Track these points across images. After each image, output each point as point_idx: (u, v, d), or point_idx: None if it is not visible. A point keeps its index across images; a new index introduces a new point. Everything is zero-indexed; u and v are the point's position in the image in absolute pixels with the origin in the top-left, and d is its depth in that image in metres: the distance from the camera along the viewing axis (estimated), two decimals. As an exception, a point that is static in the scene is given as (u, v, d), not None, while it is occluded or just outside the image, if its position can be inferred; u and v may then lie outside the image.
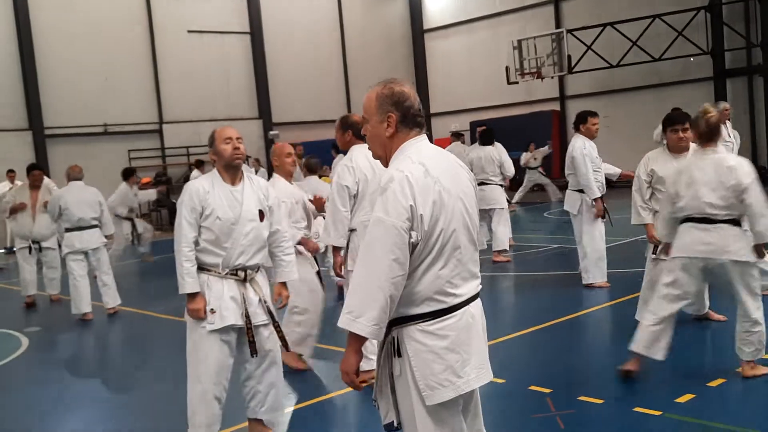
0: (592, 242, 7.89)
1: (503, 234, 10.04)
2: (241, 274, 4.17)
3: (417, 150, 2.70)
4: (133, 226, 12.68)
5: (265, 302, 4.24)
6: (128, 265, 12.79)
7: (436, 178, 2.62)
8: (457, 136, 14.58)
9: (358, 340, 2.63)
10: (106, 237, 8.92)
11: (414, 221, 2.55)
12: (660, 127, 6.53)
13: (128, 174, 12.89)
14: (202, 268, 4.12)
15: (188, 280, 4.05)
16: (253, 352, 4.18)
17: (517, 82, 20.70)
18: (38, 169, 10.05)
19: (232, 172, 4.20)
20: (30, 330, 8.31)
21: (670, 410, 4.35)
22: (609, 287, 7.81)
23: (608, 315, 6.94)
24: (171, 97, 20.42)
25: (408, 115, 2.73)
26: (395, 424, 2.70)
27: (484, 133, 10.54)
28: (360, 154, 5.15)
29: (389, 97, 2.74)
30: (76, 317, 8.61)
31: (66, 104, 18.68)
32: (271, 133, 21.64)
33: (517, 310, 7.83)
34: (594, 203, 7.72)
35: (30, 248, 9.74)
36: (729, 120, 9.62)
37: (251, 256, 4.19)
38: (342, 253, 5.21)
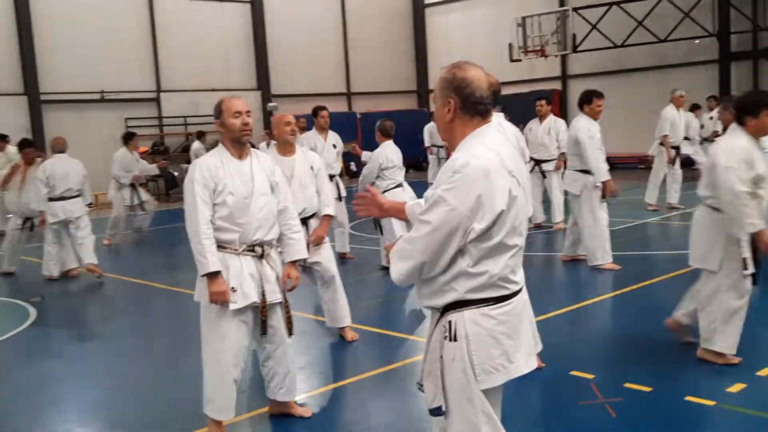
0: (598, 223, 7.77)
1: None
2: (258, 250, 4.05)
3: (489, 137, 2.66)
4: (135, 193, 12.35)
5: (279, 280, 4.13)
6: (126, 235, 12.52)
7: (510, 170, 2.60)
8: None
9: None
10: (87, 205, 9.34)
11: (479, 212, 2.52)
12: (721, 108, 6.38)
13: (128, 138, 12.59)
14: (218, 246, 3.96)
15: (211, 259, 3.88)
16: (264, 331, 4.08)
17: (519, 60, 20.48)
18: (30, 145, 9.93)
19: (239, 146, 4.06)
20: (37, 300, 8.11)
21: (723, 400, 4.24)
22: (620, 269, 7.72)
23: (632, 299, 6.83)
24: (169, 66, 20.03)
25: (467, 103, 2.66)
26: (443, 409, 2.67)
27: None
28: (492, 125, 4.74)
29: (450, 82, 2.68)
30: (45, 277, 9.10)
31: (62, 69, 18.24)
32: (270, 105, 21.35)
33: (537, 293, 7.71)
34: (601, 185, 7.62)
35: (23, 226, 9.66)
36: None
37: (268, 230, 4.06)
38: None
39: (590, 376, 4.74)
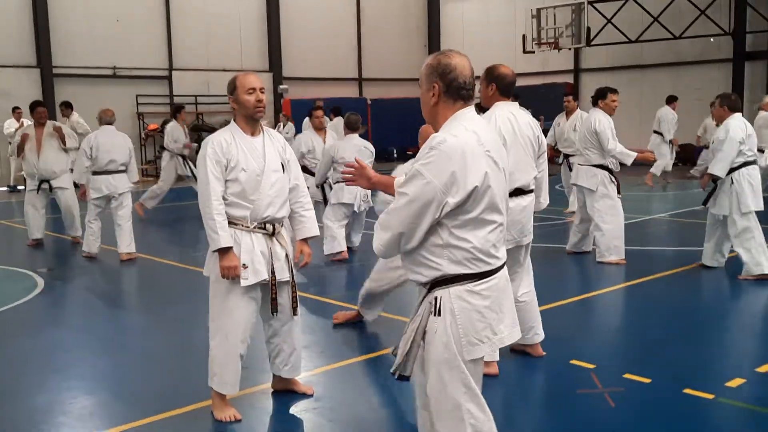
0: (614, 219, 7.81)
1: None
2: (269, 227, 4.08)
3: (469, 120, 2.82)
4: (186, 163, 12.54)
5: (289, 259, 4.15)
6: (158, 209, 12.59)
7: (487, 149, 2.75)
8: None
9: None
10: (132, 183, 9.10)
11: (453, 187, 2.67)
12: None
13: (177, 110, 12.97)
14: (229, 222, 3.99)
15: (222, 234, 3.91)
16: (274, 309, 4.12)
17: (533, 52, 20.42)
18: (42, 105, 9.86)
19: (252, 123, 4.07)
20: (42, 270, 8.18)
21: (722, 394, 4.27)
22: (624, 263, 7.75)
23: (636, 292, 6.85)
24: (182, 44, 20.01)
25: (451, 87, 2.83)
26: (408, 377, 2.88)
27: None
28: (502, 113, 4.59)
29: (435, 68, 2.85)
30: (83, 254, 8.83)
31: (76, 44, 18.25)
32: (281, 87, 21.36)
33: (542, 283, 7.73)
34: (616, 180, 7.75)
35: (38, 188, 9.56)
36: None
37: (279, 207, 4.09)
38: None
39: (591, 366, 4.77)
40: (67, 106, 14.58)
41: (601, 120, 7.73)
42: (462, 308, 2.76)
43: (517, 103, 4.69)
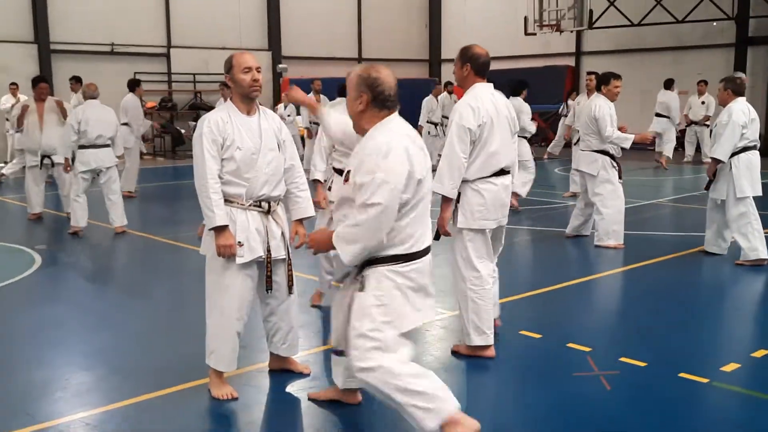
0: (615, 203, 7.81)
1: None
2: (265, 205, 4.08)
3: (396, 125, 3.28)
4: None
5: (284, 237, 4.16)
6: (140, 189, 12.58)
7: (418, 148, 3.25)
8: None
9: None
10: (116, 157, 9.13)
11: (408, 185, 3.12)
12: None
13: (137, 84, 12.79)
14: (224, 200, 3.98)
15: (218, 213, 3.91)
16: (269, 287, 4.13)
17: (534, 34, 20.30)
18: (44, 81, 9.82)
19: (248, 102, 4.06)
20: (40, 247, 8.18)
21: (716, 378, 4.29)
22: (623, 248, 7.76)
23: (635, 277, 6.87)
24: (180, 22, 19.87)
25: (378, 98, 3.23)
26: (344, 352, 3.41)
27: (516, 84, 10.65)
28: (485, 93, 4.56)
29: (365, 80, 3.23)
30: (71, 228, 8.85)
31: (74, 19, 18.12)
32: (280, 66, 21.24)
33: (540, 267, 7.75)
34: (617, 165, 7.76)
35: (41, 164, 9.59)
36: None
37: (274, 186, 4.10)
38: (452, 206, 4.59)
39: (587, 349, 4.78)
40: (77, 81, 14.36)
41: (601, 106, 7.74)
42: (386, 286, 3.17)
43: (492, 84, 4.66)
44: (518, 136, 10.07)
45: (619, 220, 7.85)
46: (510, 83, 10.61)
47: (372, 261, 3.17)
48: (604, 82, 7.92)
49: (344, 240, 3.13)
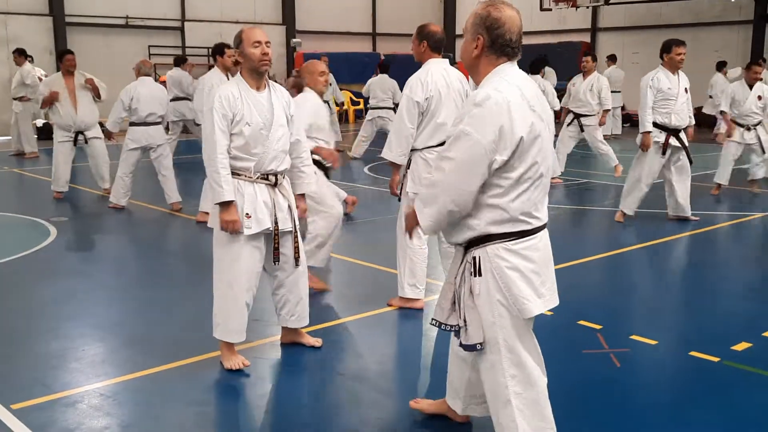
0: (633, 172, 7.79)
1: None
2: (272, 178, 4.09)
3: (511, 74, 2.71)
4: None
5: (291, 209, 4.18)
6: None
7: (531, 104, 2.64)
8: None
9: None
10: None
11: (501, 143, 2.55)
12: None
13: (181, 61, 12.83)
14: (232, 172, 4.00)
15: (226, 188, 3.93)
16: (277, 259, 4.15)
17: (550, 9, 20.14)
18: (71, 53, 9.73)
19: (257, 77, 4.06)
20: (58, 219, 8.25)
21: (727, 357, 4.30)
22: (623, 221, 7.84)
23: (647, 254, 6.85)
24: (195, -5, 19.86)
25: (496, 43, 2.70)
26: (480, 346, 2.75)
27: (534, 61, 10.52)
28: (437, 68, 4.89)
29: (484, 20, 2.71)
30: (110, 204, 8.95)
31: (89, -9, 18.14)
32: (294, 41, 21.16)
33: (555, 244, 7.73)
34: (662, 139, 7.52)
35: (75, 140, 9.48)
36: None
37: (282, 161, 4.11)
38: (401, 172, 4.99)
39: (597, 327, 4.79)
40: (20, 54, 13.99)
41: (646, 77, 7.52)
42: (500, 267, 2.68)
43: (447, 60, 5.00)
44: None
45: (637, 189, 7.80)
46: (529, 61, 10.49)
47: (480, 239, 2.70)
48: (665, 50, 7.44)
49: (421, 201, 2.73)
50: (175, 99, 11.75)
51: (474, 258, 2.71)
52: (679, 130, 7.53)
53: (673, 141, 7.55)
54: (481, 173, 2.58)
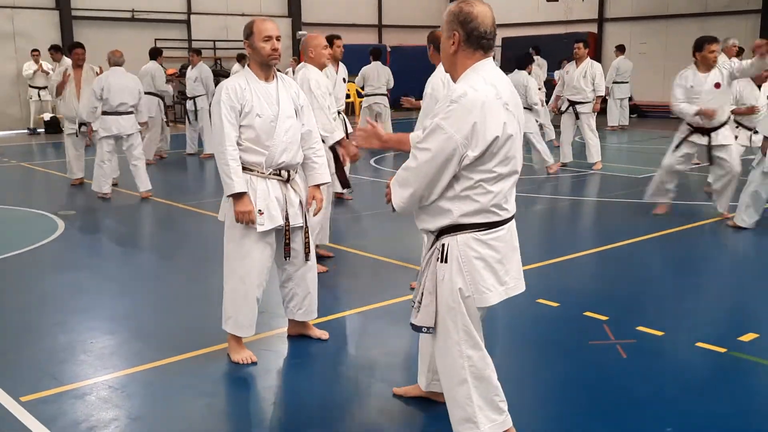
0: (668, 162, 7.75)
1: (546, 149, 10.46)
2: (284, 174, 4.09)
3: (488, 71, 2.82)
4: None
5: (302, 205, 4.19)
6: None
7: (506, 103, 2.77)
8: None
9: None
10: (139, 124, 9.29)
11: (473, 139, 2.69)
12: None
13: (156, 54, 12.96)
14: (244, 168, 4.00)
15: (236, 180, 3.93)
16: (287, 255, 4.16)
17: (556, 0, 20.03)
18: (80, 47, 9.83)
19: (266, 69, 4.06)
20: (66, 213, 8.28)
21: (734, 348, 4.29)
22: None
23: (654, 245, 6.84)
24: (200, -12, 19.84)
25: (471, 36, 2.81)
26: (427, 329, 2.95)
27: (521, 57, 10.63)
28: (440, 70, 4.85)
29: (456, 16, 2.83)
30: (96, 195, 9.08)
31: (94, -15, 18.14)
32: (300, 33, 21.14)
33: (558, 235, 7.74)
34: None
35: (77, 132, 9.70)
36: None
37: (294, 153, 4.10)
38: None
39: (603, 318, 4.79)
40: (56, 50, 13.85)
41: (687, 77, 7.35)
42: (467, 255, 2.82)
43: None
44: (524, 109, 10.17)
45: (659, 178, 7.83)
46: (516, 56, 10.50)
47: (451, 228, 2.83)
48: (697, 48, 7.26)
49: (397, 182, 2.85)
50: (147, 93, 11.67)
51: (443, 245, 2.86)
52: (711, 129, 7.30)
53: (696, 138, 7.42)
54: (452, 166, 2.72)
